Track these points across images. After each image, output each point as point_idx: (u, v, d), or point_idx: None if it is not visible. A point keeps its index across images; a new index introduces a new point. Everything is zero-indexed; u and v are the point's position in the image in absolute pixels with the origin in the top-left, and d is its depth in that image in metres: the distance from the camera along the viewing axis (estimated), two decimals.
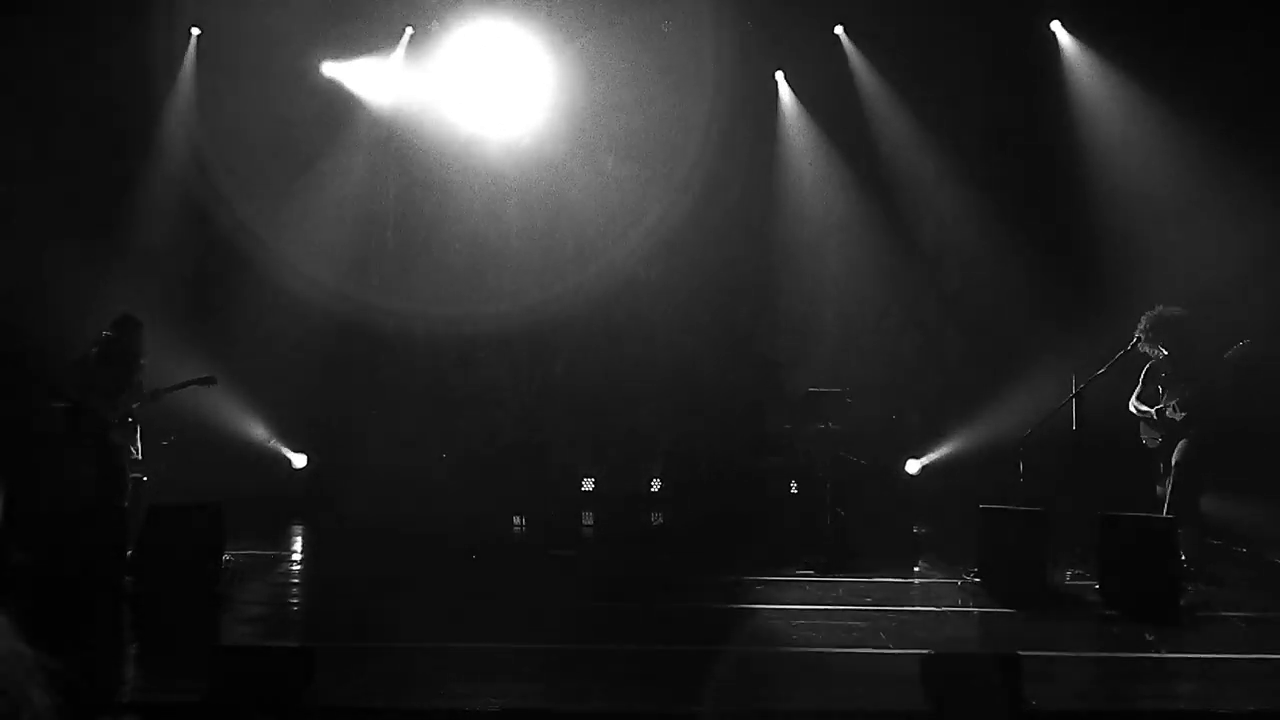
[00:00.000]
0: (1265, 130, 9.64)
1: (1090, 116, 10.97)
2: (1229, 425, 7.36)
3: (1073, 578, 7.18)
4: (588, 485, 11.82)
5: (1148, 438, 7.65)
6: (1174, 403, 7.41)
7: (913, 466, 10.83)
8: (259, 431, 7.29)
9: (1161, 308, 7.51)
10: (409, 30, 11.53)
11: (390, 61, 11.55)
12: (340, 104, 11.59)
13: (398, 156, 11.85)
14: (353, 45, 11.45)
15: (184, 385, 7.56)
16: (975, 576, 7.01)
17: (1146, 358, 7.59)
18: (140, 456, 7.51)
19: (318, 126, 11.42)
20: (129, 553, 6.84)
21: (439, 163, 11.81)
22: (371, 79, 11.66)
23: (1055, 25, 11.12)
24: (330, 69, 11.51)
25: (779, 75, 11.83)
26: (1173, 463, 7.36)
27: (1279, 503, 8.34)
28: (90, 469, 7.14)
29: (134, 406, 7.29)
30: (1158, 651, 5.50)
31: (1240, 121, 9.76)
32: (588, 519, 10.80)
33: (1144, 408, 7.61)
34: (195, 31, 11.17)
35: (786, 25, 11.40)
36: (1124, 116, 10.60)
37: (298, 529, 10.09)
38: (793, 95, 11.89)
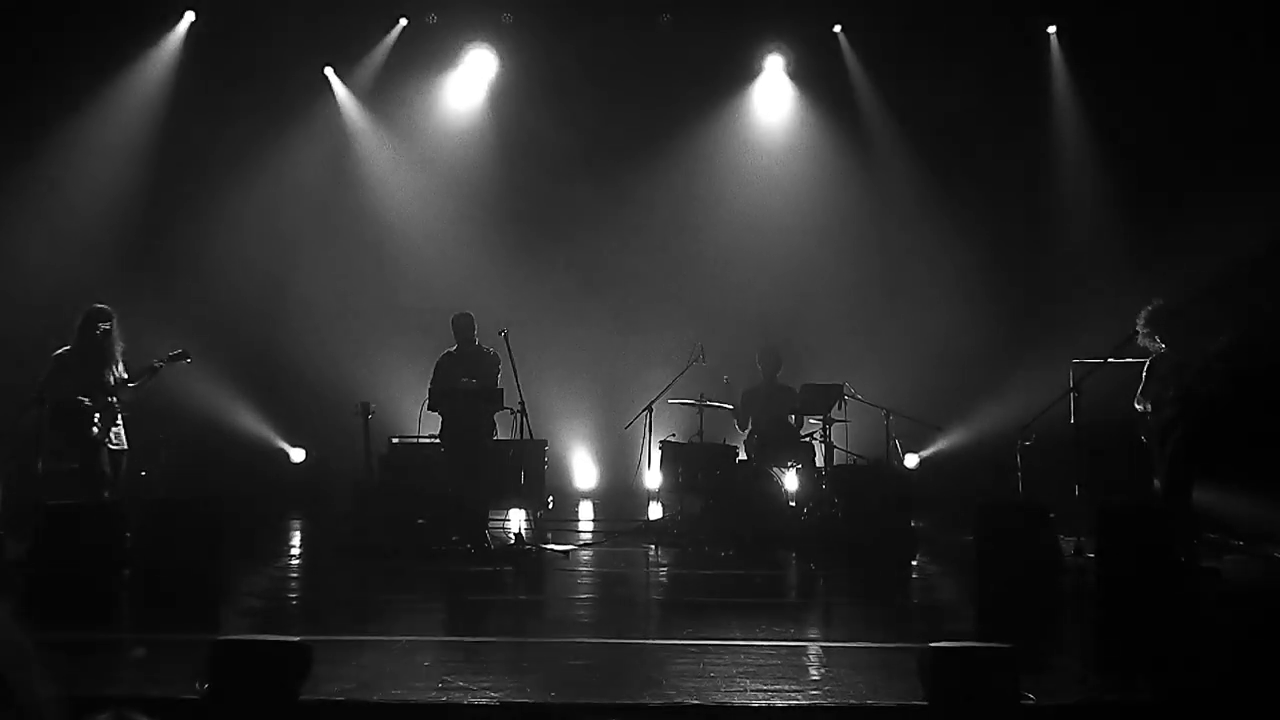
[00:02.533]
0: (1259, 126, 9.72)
1: (1081, 113, 11.05)
2: (1219, 418, 7.37)
3: (1071, 569, 7.18)
4: (586, 479, 11.86)
5: (1145, 433, 7.66)
6: (1168, 396, 7.41)
7: (911, 460, 10.84)
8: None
9: (1158, 301, 7.53)
10: (403, 21, 11.51)
11: (379, 50, 11.50)
12: (324, 96, 11.64)
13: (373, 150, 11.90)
14: (345, 35, 11.43)
15: (158, 366, 7.54)
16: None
17: (1147, 352, 7.60)
18: (126, 445, 7.50)
19: (298, 115, 11.44)
20: (126, 546, 6.83)
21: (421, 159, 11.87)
22: (358, 68, 11.65)
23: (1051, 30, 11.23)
24: (322, 61, 11.51)
25: (772, 60, 11.84)
26: (1165, 458, 7.38)
27: (1273, 496, 8.35)
28: (74, 463, 7.18)
29: (111, 400, 7.32)
30: (1153, 642, 5.50)
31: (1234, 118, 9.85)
32: (586, 514, 10.82)
33: (1145, 405, 7.61)
34: (190, 15, 11.13)
35: (784, 19, 11.43)
36: (1113, 113, 10.66)
37: (296, 522, 10.10)
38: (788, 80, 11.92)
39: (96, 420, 7.25)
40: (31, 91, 10.24)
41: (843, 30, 11.54)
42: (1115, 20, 10.45)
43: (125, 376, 7.44)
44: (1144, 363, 7.67)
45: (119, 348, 7.47)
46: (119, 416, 7.45)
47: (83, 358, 7.31)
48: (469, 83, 11.91)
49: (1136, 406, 7.66)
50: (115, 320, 7.46)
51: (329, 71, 11.75)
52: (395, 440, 9.97)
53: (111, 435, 7.38)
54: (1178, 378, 7.37)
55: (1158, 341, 7.48)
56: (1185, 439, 7.31)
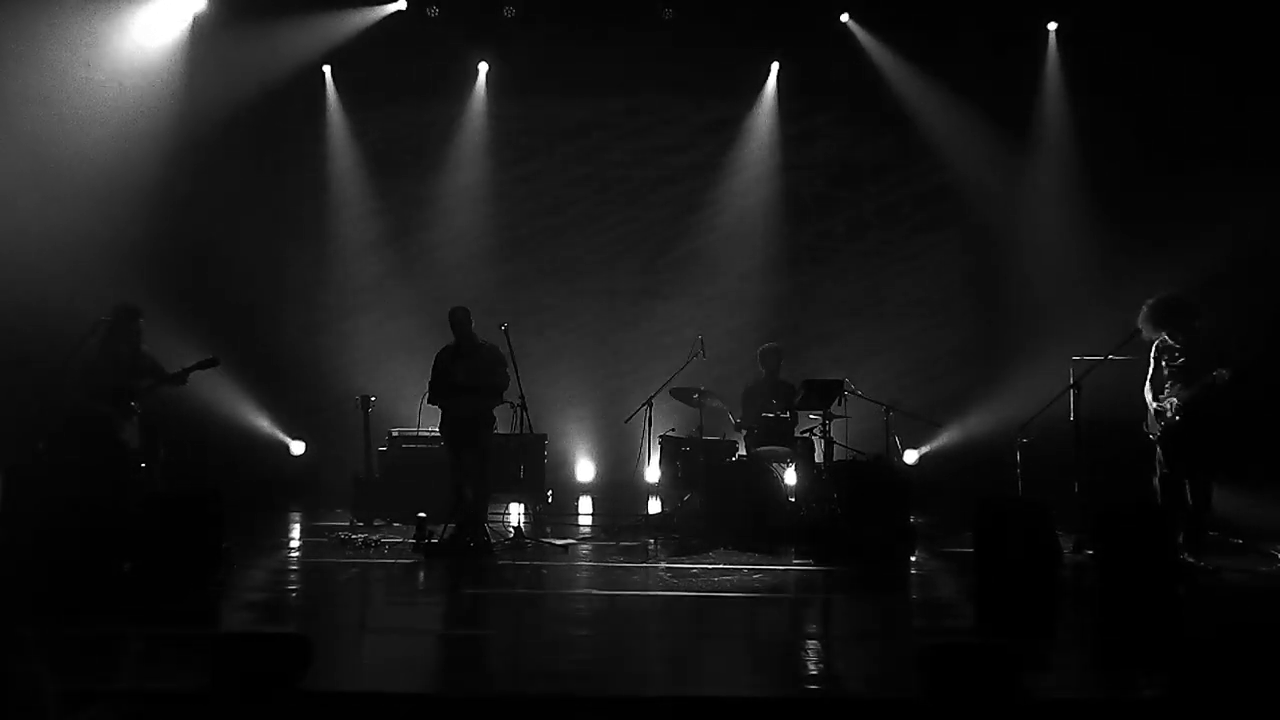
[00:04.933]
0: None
1: (1079, 111, 11.05)
2: (1225, 425, 7.40)
3: (1070, 567, 7.20)
4: (585, 474, 11.86)
5: (1150, 428, 7.66)
6: (1173, 401, 7.42)
7: (911, 456, 10.85)
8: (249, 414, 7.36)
9: (1162, 294, 7.53)
10: (402, 3, 11.38)
11: (371, 30, 11.32)
12: (321, 89, 11.69)
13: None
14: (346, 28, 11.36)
15: (188, 371, 7.58)
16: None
17: (1146, 344, 7.62)
18: (138, 445, 7.52)
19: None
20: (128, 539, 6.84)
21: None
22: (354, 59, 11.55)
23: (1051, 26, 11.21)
24: (321, 50, 11.42)
25: (775, 53, 11.77)
26: (1179, 464, 7.39)
27: (1273, 494, 8.37)
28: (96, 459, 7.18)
29: (134, 404, 7.34)
30: (1154, 640, 5.52)
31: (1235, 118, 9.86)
32: (585, 508, 10.82)
33: (1151, 399, 7.61)
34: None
35: (786, 17, 11.36)
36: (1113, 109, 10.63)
37: (295, 515, 10.10)
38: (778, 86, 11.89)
39: (124, 430, 7.28)
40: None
41: (850, 19, 11.39)
42: (1114, 19, 10.43)
43: (155, 377, 7.47)
44: (1146, 353, 7.67)
45: (145, 347, 7.51)
46: (135, 417, 7.47)
47: (109, 356, 7.32)
48: (466, 75, 11.89)
49: (1146, 397, 7.65)
50: (141, 319, 7.49)
51: (326, 69, 11.73)
52: (394, 432, 9.98)
53: (132, 439, 7.42)
54: (1185, 379, 7.37)
55: (1163, 335, 7.49)
56: (1197, 445, 7.33)
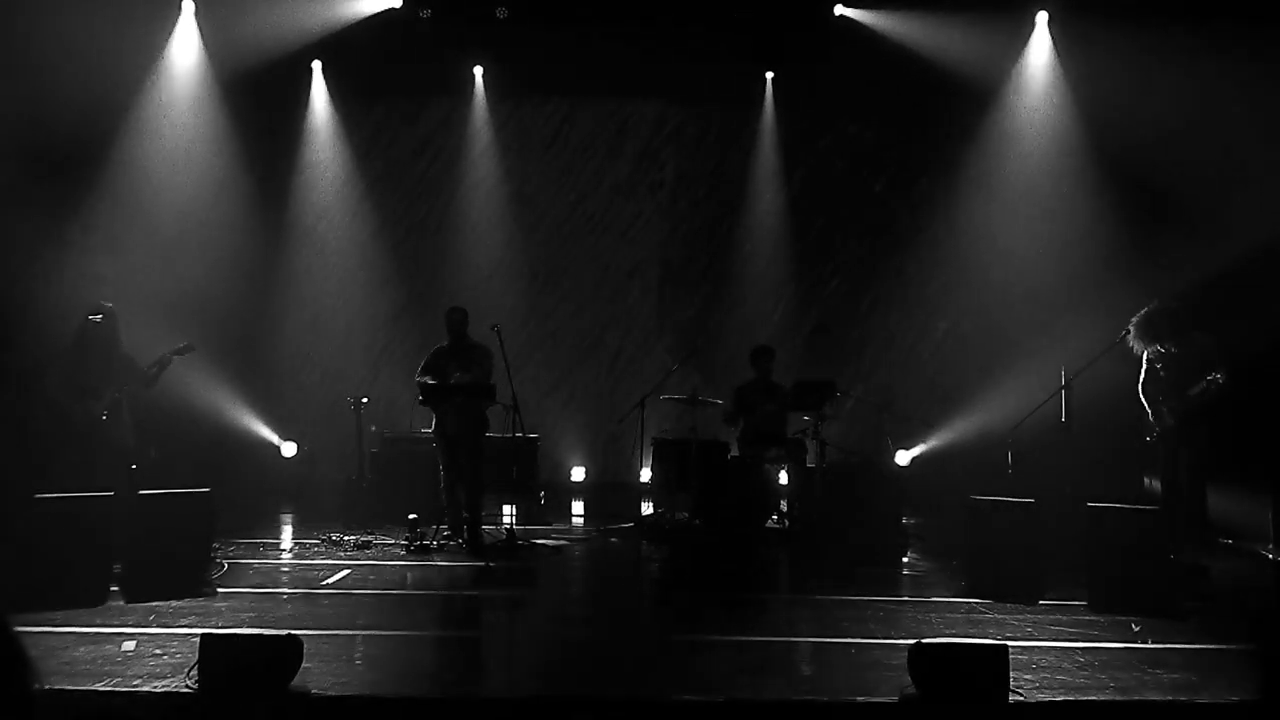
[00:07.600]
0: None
1: (1073, 109, 11.03)
2: (1220, 426, 7.44)
3: (1060, 568, 7.21)
4: (578, 475, 11.86)
5: (1147, 430, 7.69)
6: (1170, 406, 7.44)
7: (903, 458, 10.87)
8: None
9: (1151, 307, 7.54)
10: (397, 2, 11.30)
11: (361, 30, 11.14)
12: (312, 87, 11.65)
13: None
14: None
15: (166, 360, 7.58)
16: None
17: (1142, 352, 7.63)
18: (133, 441, 7.51)
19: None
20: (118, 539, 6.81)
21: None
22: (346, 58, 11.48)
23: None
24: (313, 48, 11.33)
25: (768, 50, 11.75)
26: (1174, 463, 7.41)
27: (1262, 494, 8.40)
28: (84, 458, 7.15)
29: (119, 396, 7.32)
30: (1143, 641, 5.54)
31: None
32: (578, 509, 10.82)
33: (1147, 403, 7.63)
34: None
35: (781, 16, 11.34)
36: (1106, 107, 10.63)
37: (287, 516, 10.08)
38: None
39: (115, 429, 7.28)
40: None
41: (845, 7, 11.22)
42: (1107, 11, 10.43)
43: (136, 371, 7.46)
44: (1139, 358, 7.69)
45: (120, 342, 7.48)
46: (126, 417, 7.46)
47: (86, 356, 7.30)
48: (461, 77, 11.89)
49: (1142, 400, 7.67)
50: (113, 315, 7.45)
51: (316, 66, 11.71)
52: (386, 434, 9.96)
53: (124, 438, 7.41)
54: (1180, 383, 7.40)
55: (1156, 346, 7.50)
56: (1193, 449, 7.36)
